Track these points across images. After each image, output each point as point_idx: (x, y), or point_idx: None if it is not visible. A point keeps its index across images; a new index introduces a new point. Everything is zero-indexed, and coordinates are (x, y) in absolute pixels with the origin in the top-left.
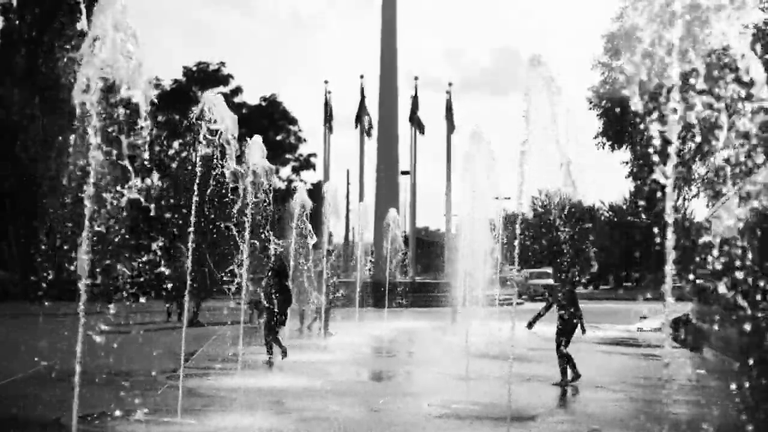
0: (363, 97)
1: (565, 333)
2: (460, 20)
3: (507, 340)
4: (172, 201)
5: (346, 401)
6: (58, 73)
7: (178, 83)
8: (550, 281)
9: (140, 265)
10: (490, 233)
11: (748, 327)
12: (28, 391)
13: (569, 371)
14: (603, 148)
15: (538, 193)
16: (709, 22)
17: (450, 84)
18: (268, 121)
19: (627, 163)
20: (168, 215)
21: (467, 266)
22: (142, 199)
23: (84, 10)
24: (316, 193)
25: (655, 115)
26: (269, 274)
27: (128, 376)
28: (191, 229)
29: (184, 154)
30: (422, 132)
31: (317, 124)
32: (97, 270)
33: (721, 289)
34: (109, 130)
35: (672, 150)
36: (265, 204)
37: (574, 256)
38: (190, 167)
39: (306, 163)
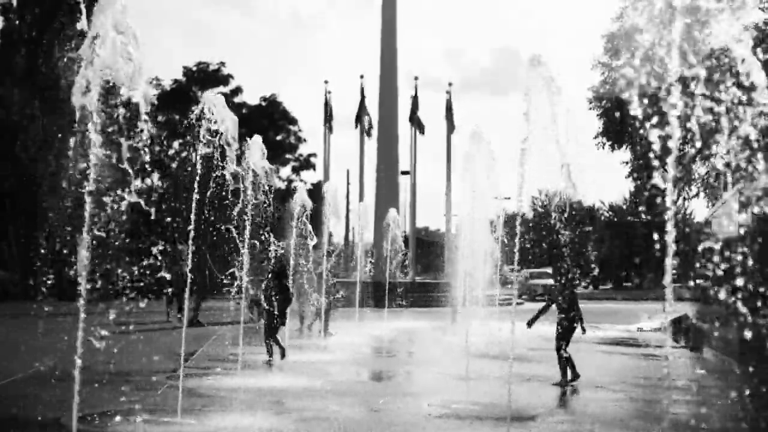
0: (363, 97)
1: (564, 333)
2: (460, 20)
3: (507, 340)
4: (173, 204)
5: (346, 401)
6: (58, 73)
7: (178, 83)
8: (550, 281)
9: (141, 269)
10: (490, 233)
11: (749, 334)
12: (28, 391)
13: (569, 371)
14: (603, 148)
15: (538, 193)
16: (709, 23)
17: (450, 84)
18: (268, 121)
19: (627, 163)
20: (169, 219)
21: (467, 266)
22: (143, 203)
23: (84, 10)
24: (316, 193)
25: (655, 119)
26: (269, 276)
27: (128, 376)
28: (191, 227)
29: (184, 154)
30: (422, 132)
31: (317, 124)
32: (97, 274)
33: (722, 295)
34: (109, 130)
35: (671, 159)
36: (265, 205)
37: (575, 258)
38: (189, 168)
39: (306, 163)
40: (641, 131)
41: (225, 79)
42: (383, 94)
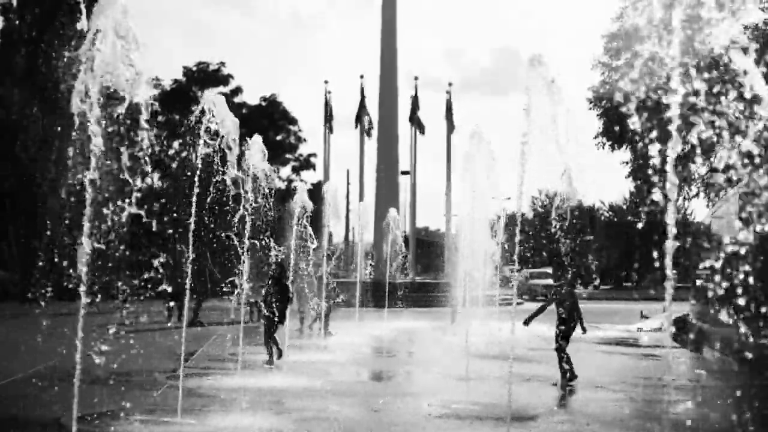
0: (363, 97)
1: (564, 333)
2: (460, 20)
3: (507, 340)
4: (175, 215)
5: (346, 401)
6: (58, 74)
7: (178, 83)
8: (550, 281)
9: (141, 283)
10: (490, 233)
11: (750, 355)
12: (28, 391)
13: (568, 371)
14: (603, 148)
15: (538, 193)
16: (709, 25)
17: (450, 84)
18: (268, 121)
19: (627, 163)
20: (170, 231)
21: (467, 266)
22: (144, 214)
23: (84, 10)
24: (316, 193)
25: (654, 134)
26: (269, 282)
27: (128, 376)
28: (192, 228)
29: (184, 154)
30: (422, 132)
31: (317, 124)
32: (96, 287)
33: (723, 317)
34: (110, 130)
35: (670, 171)
36: (265, 209)
37: (576, 268)
38: (189, 173)
39: (306, 163)
40: (640, 144)
41: (225, 79)
42: (383, 94)
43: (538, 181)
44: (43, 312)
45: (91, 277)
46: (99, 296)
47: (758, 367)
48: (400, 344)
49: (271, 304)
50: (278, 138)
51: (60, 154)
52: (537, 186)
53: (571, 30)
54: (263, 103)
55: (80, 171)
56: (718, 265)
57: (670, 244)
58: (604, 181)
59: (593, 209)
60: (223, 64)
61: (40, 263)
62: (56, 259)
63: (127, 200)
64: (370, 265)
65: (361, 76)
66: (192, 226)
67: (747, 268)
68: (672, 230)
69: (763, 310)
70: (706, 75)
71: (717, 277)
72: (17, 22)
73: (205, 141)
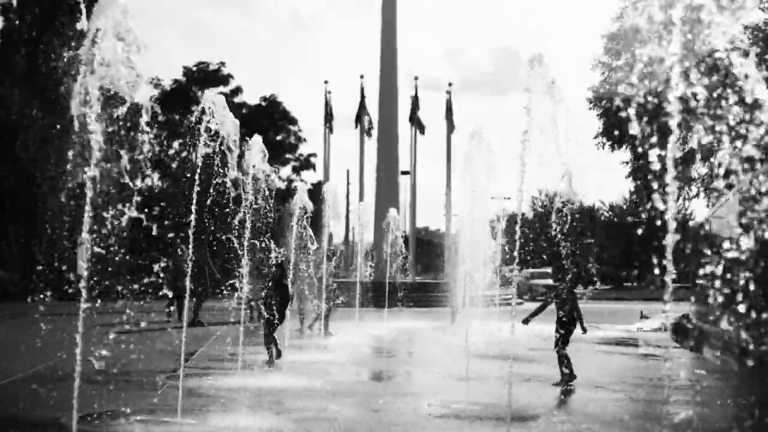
0: (363, 97)
1: (564, 333)
2: (460, 20)
3: (507, 340)
4: (176, 219)
5: (346, 401)
6: (58, 75)
7: (178, 83)
8: (551, 281)
9: (141, 287)
10: (490, 233)
11: (750, 362)
12: (28, 391)
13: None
14: (603, 148)
15: (538, 193)
16: (709, 26)
17: (450, 84)
18: (268, 121)
19: (627, 163)
20: (171, 235)
21: (467, 266)
22: (144, 218)
23: (84, 10)
24: (316, 193)
25: (654, 139)
26: (269, 284)
27: (128, 376)
28: (192, 229)
29: (184, 154)
30: (422, 132)
31: (317, 124)
32: (96, 292)
33: (724, 325)
34: (110, 130)
35: (670, 177)
36: (265, 210)
37: (576, 271)
38: (189, 174)
39: (306, 163)
40: (639, 150)
41: (225, 79)
42: (383, 94)
43: (538, 181)
44: (43, 312)
45: (91, 280)
46: (99, 300)
47: (759, 374)
48: (400, 344)
49: (271, 306)
50: (278, 138)
51: (60, 154)
52: (537, 186)
53: (571, 30)
54: (263, 103)
55: (79, 173)
56: (718, 271)
57: (671, 239)
58: (604, 181)
59: (593, 209)
60: (223, 64)
61: (39, 267)
62: (56, 264)
63: (127, 204)
64: (370, 265)
65: (361, 76)
66: (192, 227)
67: (748, 274)
68: (671, 237)
69: (765, 316)
70: (706, 81)
71: (717, 283)
72: (17, 22)
73: (205, 141)
